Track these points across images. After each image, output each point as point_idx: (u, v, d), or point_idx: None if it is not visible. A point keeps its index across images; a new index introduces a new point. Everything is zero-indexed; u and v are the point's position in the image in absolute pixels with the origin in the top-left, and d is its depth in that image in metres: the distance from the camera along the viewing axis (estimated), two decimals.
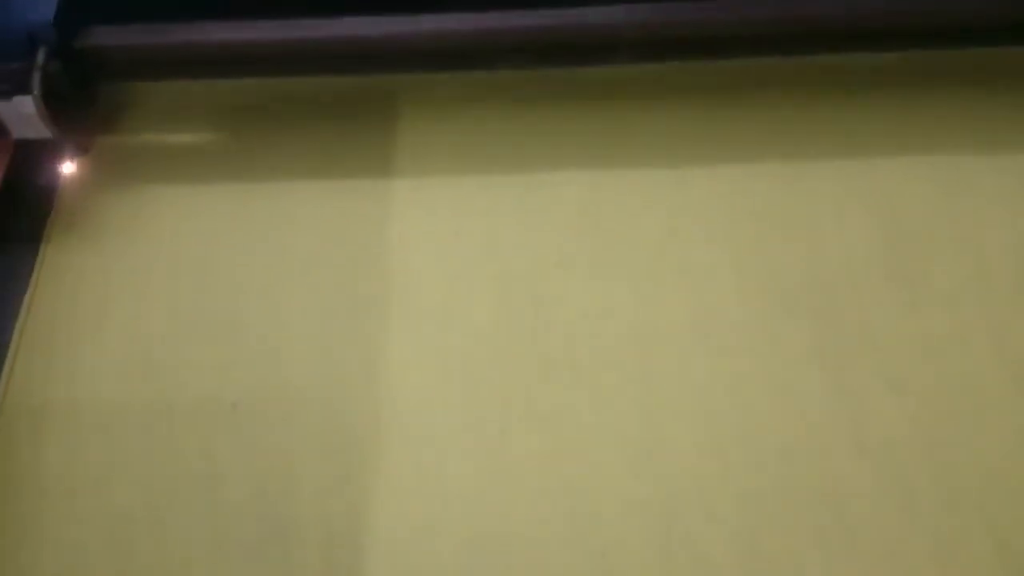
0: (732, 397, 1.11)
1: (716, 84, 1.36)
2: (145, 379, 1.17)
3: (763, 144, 1.30)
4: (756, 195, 1.26)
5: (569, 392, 1.13)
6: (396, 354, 1.17)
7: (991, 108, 1.31)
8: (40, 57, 1.21)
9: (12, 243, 1.28)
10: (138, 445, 1.13)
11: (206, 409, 1.14)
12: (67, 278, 1.25)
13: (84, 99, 1.34)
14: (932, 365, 1.12)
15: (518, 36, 1.30)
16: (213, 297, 1.22)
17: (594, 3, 1.27)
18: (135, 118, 1.39)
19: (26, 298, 1.23)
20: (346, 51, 1.32)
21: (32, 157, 1.32)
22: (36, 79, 1.20)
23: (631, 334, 1.17)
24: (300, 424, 1.12)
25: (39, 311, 1.22)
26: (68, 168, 1.33)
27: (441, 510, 1.06)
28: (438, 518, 1.06)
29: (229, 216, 1.29)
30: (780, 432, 1.09)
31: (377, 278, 1.22)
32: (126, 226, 1.29)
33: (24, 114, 1.22)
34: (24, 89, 1.20)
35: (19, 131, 1.26)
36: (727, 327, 1.16)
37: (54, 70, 1.22)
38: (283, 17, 1.28)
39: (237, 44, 1.30)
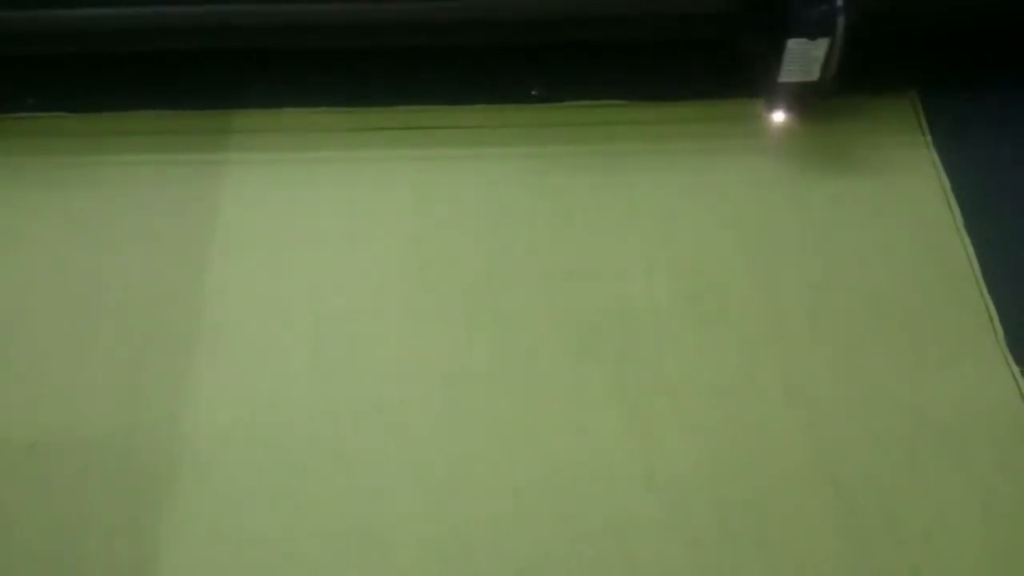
0: (532, 438, 1.14)
1: (538, 135, 1.41)
2: None
3: (577, 196, 1.35)
4: (569, 244, 1.30)
5: (375, 435, 1.14)
6: (202, 395, 1.16)
7: (783, 161, 1.39)
8: (840, 0, 1.24)
9: None
10: None
11: (2, 449, 1.12)
12: None
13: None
14: (722, 405, 1.16)
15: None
16: (18, 336, 1.21)
17: None
18: None
19: None
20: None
21: None
22: (840, 22, 1.24)
23: (441, 377, 1.19)
24: (97, 465, 1.11)
25: None
26: (782, 116, 1.39)
27: (234, 554, 1.05)
28: (230, 563, 1.05)
29: (39, 253, 1.28)
30: (574, 471, 1.11)
31: (190, 319, 1.22)
32: None
33: (811, 55, 1.27)
34: (827, 32, 1.25)
35: (788, 74, 1.30)
36: (533, 370, 1.19)
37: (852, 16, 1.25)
38: None
39: None
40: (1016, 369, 1.18)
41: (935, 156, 1.39)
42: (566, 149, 1.41)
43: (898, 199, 1.34)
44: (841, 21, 1.25)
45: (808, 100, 1.37)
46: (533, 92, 1.46)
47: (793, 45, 1.27)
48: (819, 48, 1.27)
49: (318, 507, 1.09)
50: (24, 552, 1.05)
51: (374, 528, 1.07)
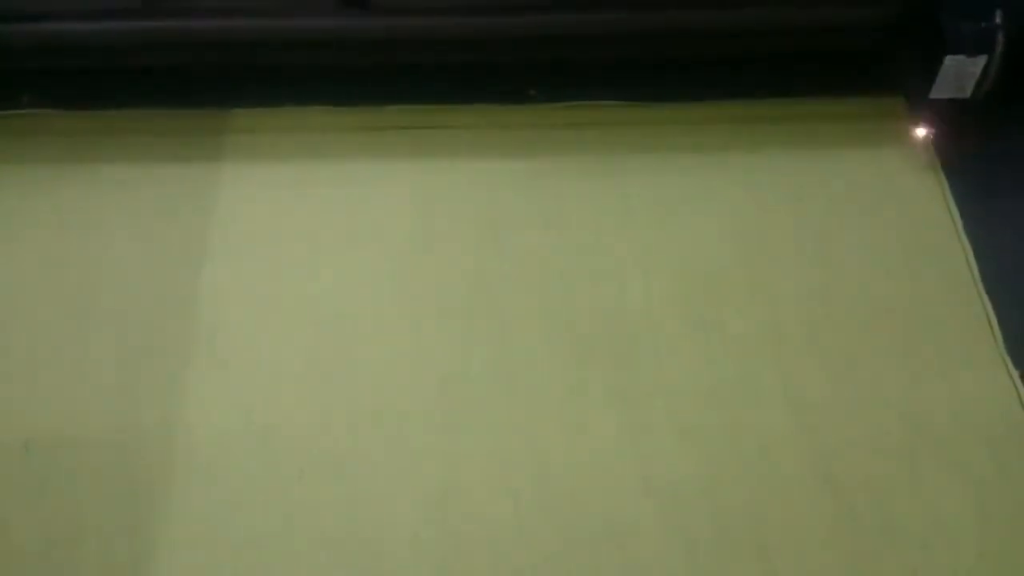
0: (529, 440, 1.13)
1: (536, 136, 1.41)
2: None
3: (574, 198, 1.35)
4: (567, 247, 1.30)
5: (371, 437, 1.14)
6: (198, 397, 1.16)
7: (780, 164, 1.38)
8: (999, 17, 1.22)
9: None
10: None
11: None
12: None
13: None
14: (720, 409, 1.15)
15: None
16: (14, 336, 1.20)
17: None
18: None
19: None
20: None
21: None
22: (999, 39, 1.22)
23: (437, 379, 1.18)
24: (92, 468, 1.10)
25: None
26: (923, 132, 1.37)
27: (230, 557, 1.05)
28: (226, 565, 1.04)
29: (34, 253, 1.27)
30: (571, 473, 1.11)
31: (186, 320, 1.22)
32: None
33: (967, 72, 1.25)
34: (986, 48, 1.23)
35: (941, 91, 1.28)
36: (531, 373, 1.19)
37: (1013, 32, 1.23)
38: None
39: None
40: (1015, 374, 1.18)
41: (934, 161, 1.38)
42: (564, 150, 1.40)
43: (897, 204, 1.34)
44: (1001, 38, 1.23)
45: (958, 117, 1.34)
46: (531, 92, 1.45)
47: (950, 62, 1.25)
48: (976, 65, 1.25)
49: (315, 510, 1.08)
50: (19, 554, 1.05)
51: (371, 531, 1.07)
